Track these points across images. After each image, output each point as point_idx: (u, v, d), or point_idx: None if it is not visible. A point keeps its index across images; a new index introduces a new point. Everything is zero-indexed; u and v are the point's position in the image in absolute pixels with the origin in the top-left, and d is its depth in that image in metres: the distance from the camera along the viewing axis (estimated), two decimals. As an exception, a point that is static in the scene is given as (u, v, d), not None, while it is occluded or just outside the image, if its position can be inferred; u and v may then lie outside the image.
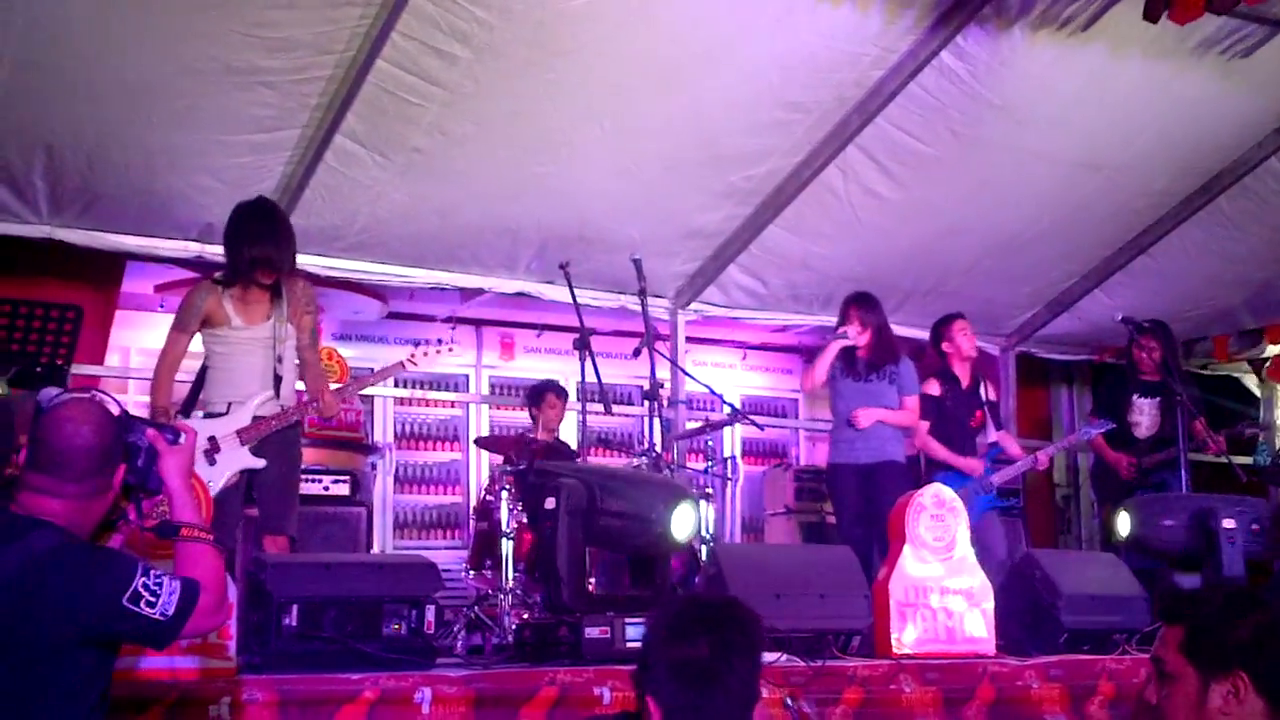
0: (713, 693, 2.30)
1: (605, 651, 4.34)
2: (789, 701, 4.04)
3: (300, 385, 5.48)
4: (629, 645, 4.32)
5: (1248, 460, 8.30)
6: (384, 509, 8.66)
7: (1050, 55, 6.24)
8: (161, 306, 8.04)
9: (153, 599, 2.68)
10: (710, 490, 7.00)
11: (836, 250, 7.58)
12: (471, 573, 6.84)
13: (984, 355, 8.55)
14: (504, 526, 6.29)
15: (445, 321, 9.24)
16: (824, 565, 5.19)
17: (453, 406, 9.43)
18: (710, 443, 7.84)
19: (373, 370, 5.89)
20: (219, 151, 6.00)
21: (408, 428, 9.30)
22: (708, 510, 6.69)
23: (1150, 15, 5.42)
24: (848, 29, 5.94)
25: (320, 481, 6.73)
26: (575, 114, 6.21)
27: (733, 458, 9.24)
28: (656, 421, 6.47)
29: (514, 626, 5.49)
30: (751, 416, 7.46)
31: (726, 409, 6.98)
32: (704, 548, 6.42)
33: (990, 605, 5.22)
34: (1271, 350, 9.13)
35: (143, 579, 2.69)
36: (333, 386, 5.57)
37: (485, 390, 9.52)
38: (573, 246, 6.88)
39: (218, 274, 5.33)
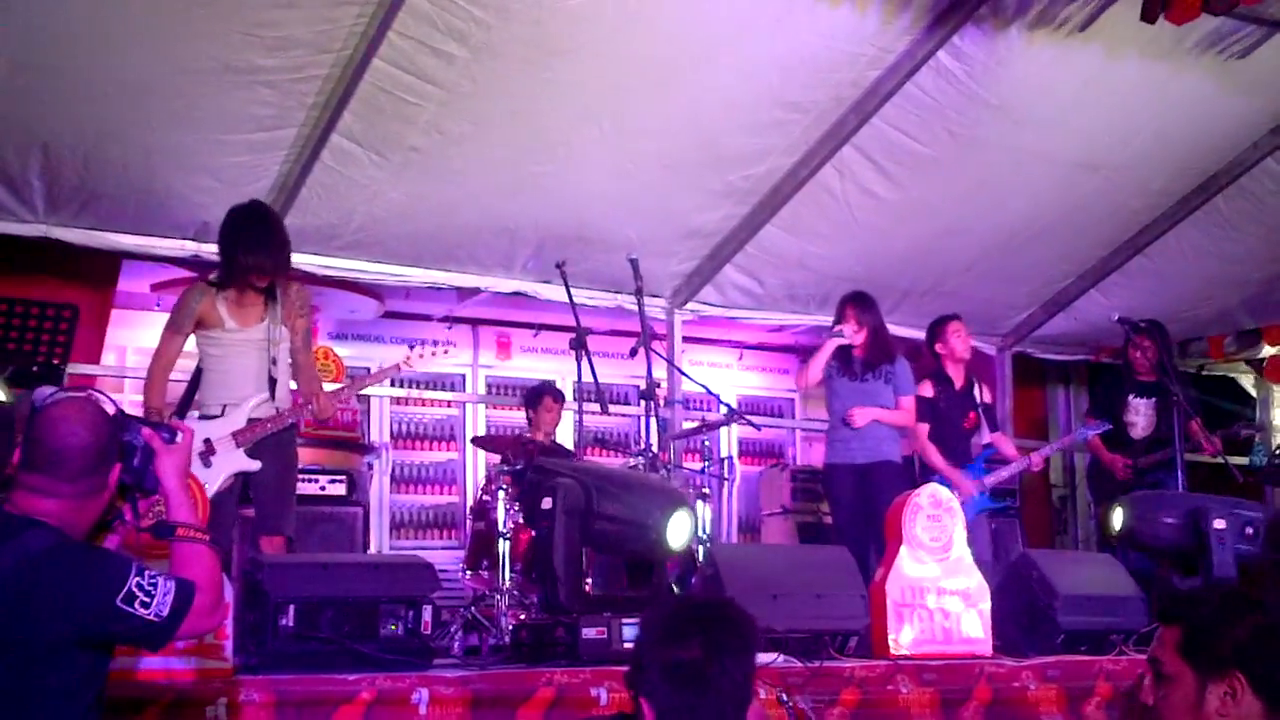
0: (705, 694, 2.30)
1: (602, 652, 4.33)
2: (784, 697, 4.03)
3: (294, 386, 5.46)
4: (626, 646, 4.31)
5: (1244, 461, 8.32)
6: (380, 509, 8.65)
7: (1047, 56, 6.24)
8: (158, 305, 8.03)
9: (147, 599, 2.66)
10: (707, 490, 6.99)
11: (833, 250, 7.58)
12: (468, 573, 6.83)
13: (980, 356, 8.57)
14: (501, 527, 6.27)
15: (442, 321, 9.23)
16: (821, 566, 5.19)
17: (449, 406, 9.42)
18: (707, 442, 7.83)
19: (369, 370, 5.90)
20: (216, 150, 5.99)
21: (404, 427, 9.29)
22: (704, 510, 6.69)
23: (1147, 16, 5.42)
24: (845, 29, 5.93)
25: (317, 481, 6.72)
26: (572, 113, 6.21)
27: (729, 458, 9.22)
28: (653, 421, 6.47)
29: (511, 627, 5.48)
30: (748, 416, 7.46)
31: (723, 409, 6.98)
32: (700, 548, 6.41)
33: (987, 606, 5.22)
34: (1269, 351, 9.14)
35: (137, 579, 2.67)
36: (328, 388, 5.56)
37: (482, 390, 9.51)
38: (570, 246, 6.88)
39: (212, 276, 5.32)
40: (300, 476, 5.97)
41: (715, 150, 6.65)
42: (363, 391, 7.08)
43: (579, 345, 6.09)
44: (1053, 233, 7.75)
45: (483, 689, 3.98)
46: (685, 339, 8.23)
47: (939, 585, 5.17)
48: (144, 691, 3.55)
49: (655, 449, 6.39)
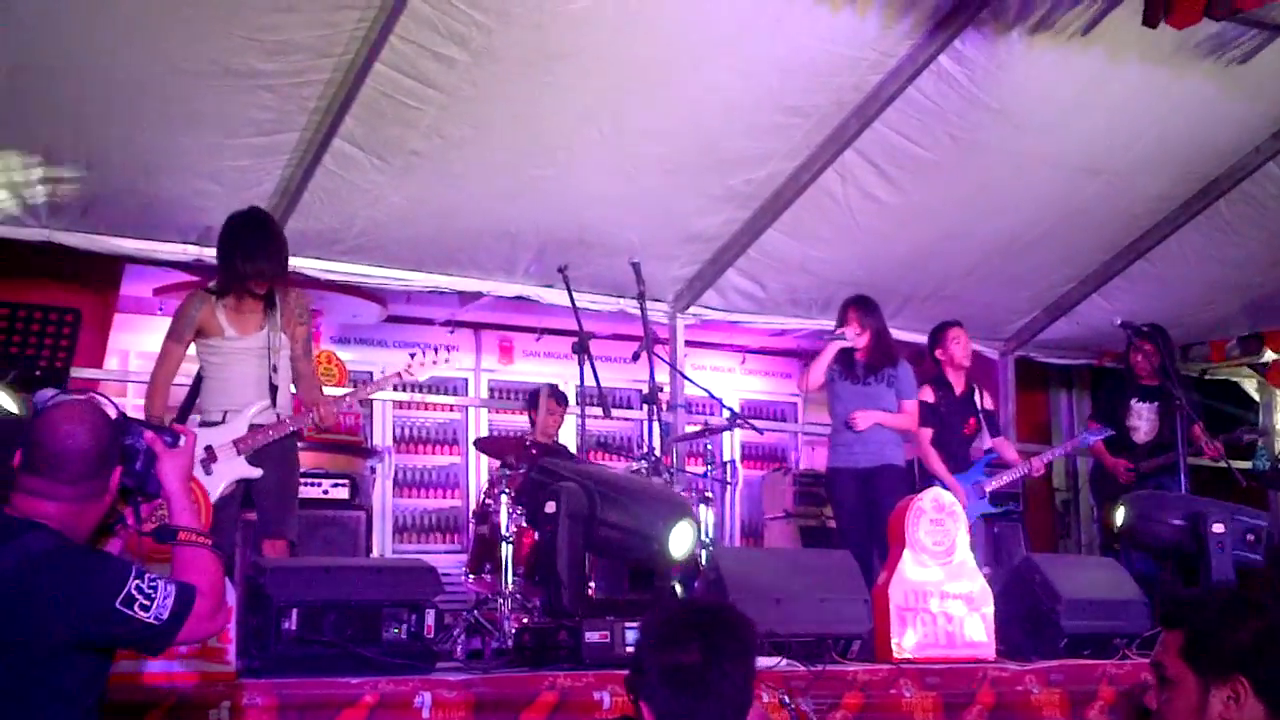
0: (705, 698, 2.29)
1: (605, 656, 4.34)
2: (786, 700, 4.04)
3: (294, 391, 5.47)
4: (628, 650, 4.31)
5: (1247, 465, 8.32)
6: (383, 513, 8.65)
7: (1048, 60, 6.24)
8: (160, 310, 8.03)
9: (147, 602, 2.65)
10: (709, 494, 6.98)
11: (835, 254, 7.58)
12: (471, 577, 6.83)
13: (982, 362, 8.58)
14: (503, 530, 6.28)
15: (444, 325, 9.22)
16: (824, 569, 5.20)
17: (452, 410, 9.42)
18: (709, 446, 7.83)
19: (371, 374, 5.89)
20: (218, 155, 5.99)
21: (407, 431, 9.28)
22: (707, 514, 6.68)
23: (1149, 20, 5.43)
24: (846, 33, 5.94)
25: (319, 485, 6.72)
26: (574, 117, 6.21)
27: (732, 462, 9.22)
28: (655, 425, 6.47)
29: (514, 631, 5.48)
30: (750, 420, 7.46)
31: (725, 413, 6.98)
32: (703, 552, 6.41)
33: (990, 610, 5.23)
34: (1271, 355, 9.14)
35: (136, 581, 2.66)
36: (330, 392, 5.56)
37: (484, 394, 9.51)
38: (571, 250, 6.88)
39: (211, 284, 5.32)
40: (303, 480, 5.97)
41: (717, 154, 6.66)
42: (364, 397, 7.08)
43: (581, 349, 6.09)
44: (1054, 237, 7.75)
45: (485, 692, 3.98)
46: (687, 343, 8.22)
47: (942, 589, 5.17)
48: (147, 695, 3.56)
49: (658, 453, 6.39)
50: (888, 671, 4.69)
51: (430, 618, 4.27)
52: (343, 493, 6.83)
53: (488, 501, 6.83)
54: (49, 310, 5.58)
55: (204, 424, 5.15)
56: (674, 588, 5.04)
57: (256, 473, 5.09)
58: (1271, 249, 7.93)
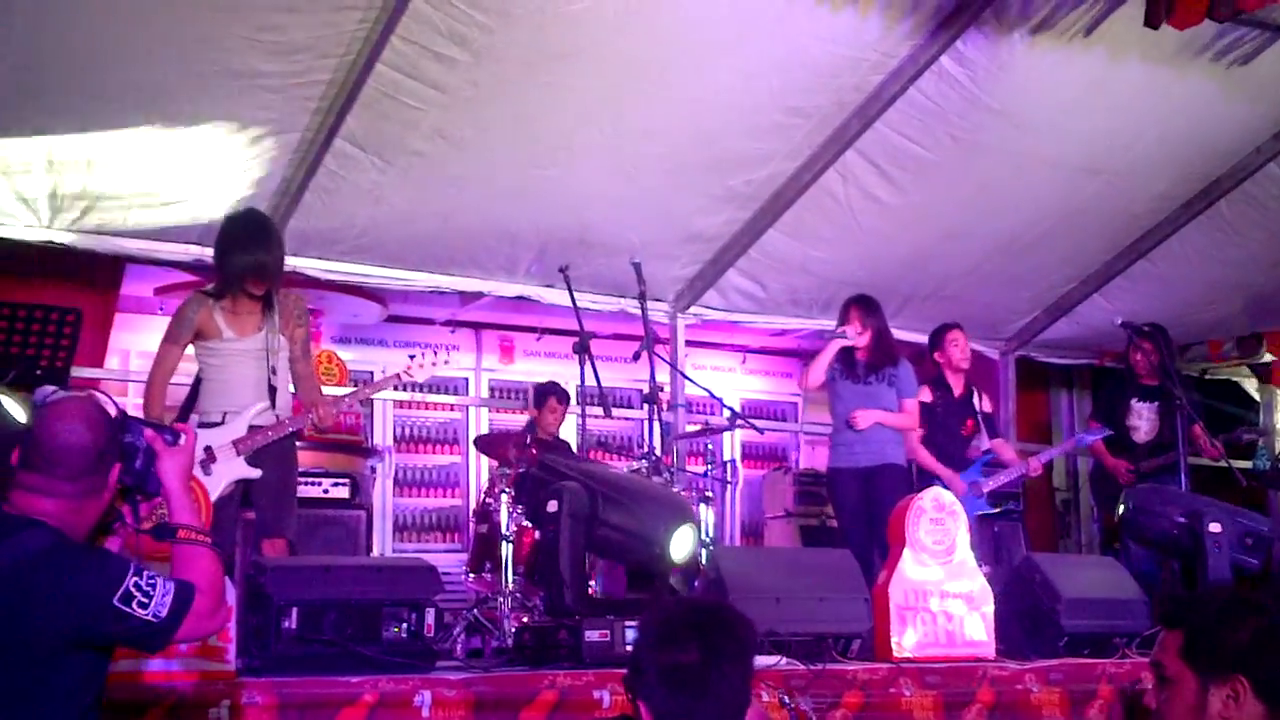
0: (703, 697, 2.29)
1: (605, 655, 4.34)
2: (786, 700, 4.04)
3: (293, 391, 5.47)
4: (628, 649, 4.31)
5: (1247, 465, 8.31)
6: (383, 512, 8.65)
7: (1050, 60, 6.24)
8: (161, 309, 8.03)
9: (145, 600, 2.64)
10: (710, 494, 6.99)
11: (836, 254, 7.58)
12: (471, 576, 6.83)
13: (983, 364, 8.58)
14: (504, 529, 6.28)
15: (445, 325, 9.23)
16: (823, 569, 5.20)
17: (452, 409, 9.42)
18: (710, 446, 7.84)
19: (372, 374, 5.89)
20: (219, 154, 5.99)
21: (407, 430, 9.29)
22: (707, 513, 6.69)
23: (1151, 21, 5.43)
24: (848, 34, 5.94)
25: (320, 484, 6.72)
26: (574, 117, 6.21)
27: (732, 461, 9.22)
28: (656, 425, 6.47)
29: (514, 630, 5.48)
30: (751, 420, 7.46)
31: (726, 413, 6.98)
32: (703, 551, 6.41)
33: (990, 609, 5.23)
34: (1269, 356, 9.14)
35: (135, 578, 2.64)
36: (330, 392, 5.56)
37: (485, 393, 9.51)
38: (572, 250, 6.89)
39: (209, 286, 5.33)
40: (303, 480, 5.97)
41: (718, 154, 6.66)
42: (363, 398, 7.09)
43: (582, 349, 6.10)
44: (1055, 237, 7.75)
45: (485, 691, 3.98)
46: (688, 343, 8.23)
47: (942, 588, 5.17)
48: (146, 694, 3.56)
49: (658, 452, 6.40)
50: (887, 670, 4.69)
51: (430, 617, 4.27)
52: (343, 492, 6.84)
53: (488, 501, 6.84)
54: (50, 310, 5.58)
55: (203, 425, 5.14)
56: (672, 585, 5.03)
57: (255, 473, 5.09)
58: (1272, 249, 7.93)
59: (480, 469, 9.00)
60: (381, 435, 8.90)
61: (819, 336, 7.42)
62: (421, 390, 8.95)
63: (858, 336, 6.54)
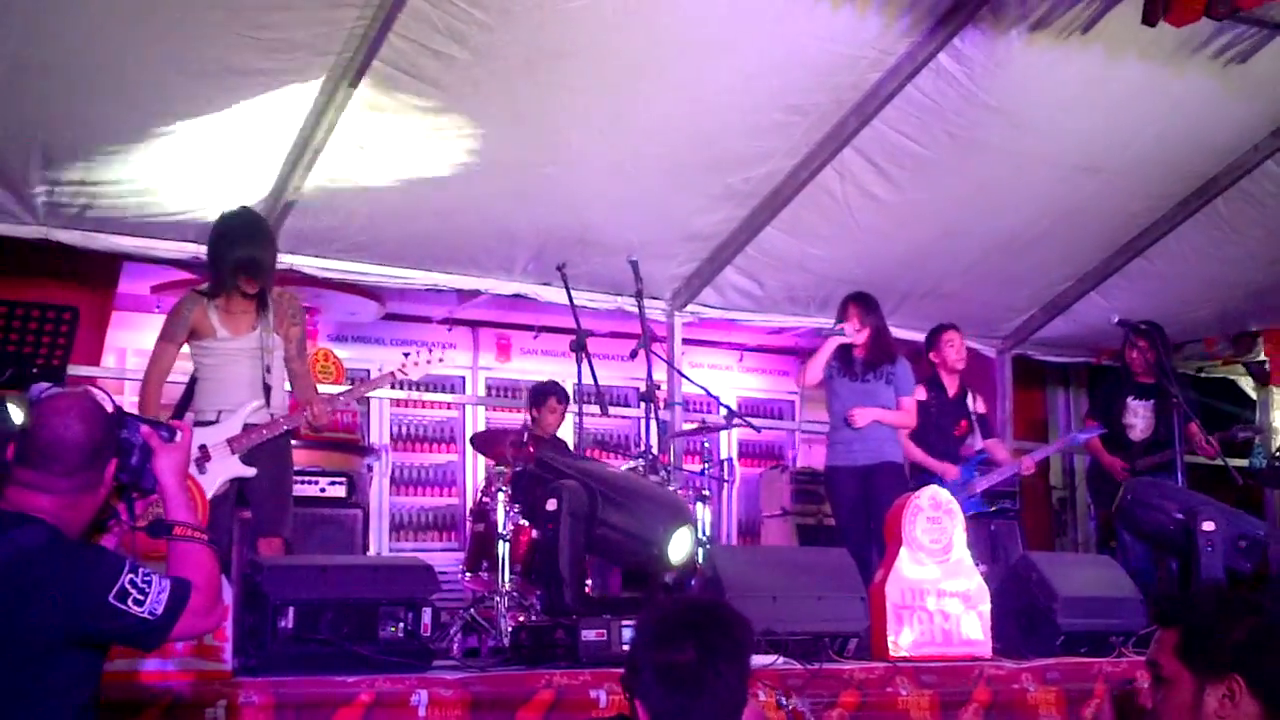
0: (699, 696, 2.28)
1: (602, 654, 4.34)
2: (783, 701, 4.04)
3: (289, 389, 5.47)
4: (625, 648, 4.31)
5: (1243, 463, 8.32)
6: (380, 511, 8.64)
7: (1048, 58, 6.24)
8: (158, 308, 8.02)
9: (141, 597, 2.62)
10: (707, 492, 6.98)
11: (833, 252, 7.58)
12: (468, 575, 6.83)
13: (980, 362, 8.58)
14: (500, 528, 6.27)
15: (442, 323, 9.23)
16: (820, 568, 5.20)
17: (449, 408, 9.42)
18: (707, 444, 7.83)
19: (369, 372, 5.89)
20: (216, 152, 5.99)
21: (404, 429, 9.28)
22: (704, 512, 6.68)
23: (1148, 19, 5.43)
24: (846, 31, 5.94)
25: (316, 483, 6.71)
26: (572, 115, 6.21)
27: (729, 459, 9.22)
28: (653, 423, 6.47)
29: (510, 629, 5.48)
30: (748, 418, 7.46)
31: (723, 411, 6.98)
32: (700, 550, 6.41)
33: (987, 608, 5.23)
34: (1263, 354, 9.14)
35: (130, 575, 2.63)
36: (326, 390, 5.55)
37: (481, 392, 9.51)
38: (570, 248, 6.88)
39: (203, 285, 5.33)
40: (300, 478, 5.97)
41: (715, 152, 6.65)
42: (359, 396, 7.07)
43: (579, 347, 6.09)
44: (1053, 235, 7.75)
45: (482, 691, 3.98)
46: (685, 341, 8.22)
47: (939, 587, 5.17)
48: (142, 695, 3.55)
49: (655, 451, 6.39)
50: (884, 669, 4.69)
51: (427, 616, 4.27)
52: (340, 491, 6.82)
53: (485, 500, 6.83)
54: (46, 308, 5.57)
55: (198, 424, 5.14)
56: (666, 584, 5.04)
57: (250, 472, 5.09)
58: (1270, 247, 7.93)
59: (477, 468, 8.99)
60: (378, 434, 8.90)
61: (816, 335, 7.41)
62: (418, 389, 8.95)
63: (856, 334, 6.54)
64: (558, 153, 6.44)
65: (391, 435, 9.11)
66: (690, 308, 7.91)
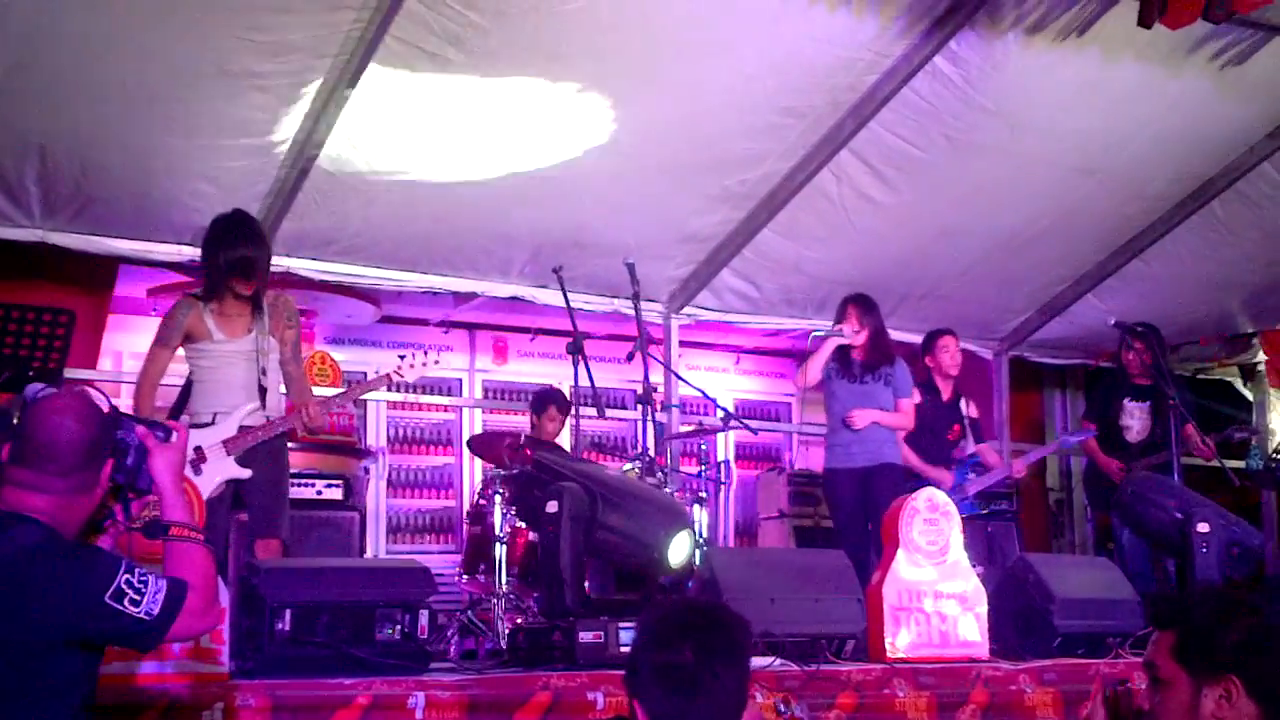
0: (696, 698, 2.28)
1: (599, 656, 4.34)
2: (782, 707, 4.03)
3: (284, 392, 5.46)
4: (622, 650, 4.31)
5: (1240, 464, 8.32)
6: (377, 513, 8.63)
7: (1044, 60, 6.24)
8: (154, 310, 8.01)
9: (137, 597, 2.62)
10: (704, 494, 6.98)
11: (830, 254, 7.58)
12: (465, 577, 6.82)
13: (976, 364, 8.58)
14: (497, 531, 6.27)
15: (438, 325, 9.22)
16: (818, 569, 5.20)
17: (446, 411, 9.41)
18: (704, 446, 7.83)
19: (365, 374, 5.88)
20: (212, 155, 5.98)
21: (400, 432, 9.28)
22: (701, 514, 6.68)
23: (1144, 21, 5.44)
24: (842, 34, 5.94)
25: (313, 486, 6.69)
26: (569, 118, 6.20)
27: (726, 461, 9.23)
28: (650, 425, 6.46)
29: (507, 631, 5.48)
30: (745, 420, 7.45)
31: (720, 413, 6.98)
32: (698, 552, 6.41)
33: (984, 609, 5.23)
34: (1261, 355, 9.15)
35: (126, 576, 2.62)
36: (320, 393, 5.55)
37: (478, 394, 9.51)
38: (566, 251, 6.88)
39: (197, 289, 5.32)
40: (296, 481, 5.96)
41: (712, 155, 6.65)
42: (354, 399, 7.07)
43: (576, 350, 6.08)
44: (1049, 237, 7.76)
45: (479, 693, 3.98)
46: (682, 343, 8.21)
47: (936, 589, 5.17)
48: (139, 697, 3.55)
49: (652, 453, 6.39)
50: (881, 671, 4.69)
51: (424, 618, 4.27)
52: (336, 493, 6.80)
53: (481, 502, 6.82)
54: (43, 311, 5.57)
55: (194, 426, 5.12)
56: (663, 586, 5.04)
57: (246, 473, 5.09)
58: (1266, 249, 7.94)
59: (474, 470, 8.99)
60: (375, 436, 8.89)
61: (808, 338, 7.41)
62: (415, 391, 8.94)
63: (854, 335, 6.54)
64: (554, 155, 6.43)
65: (388, 438, 9.11)
66: (687, 310, 7.90)
